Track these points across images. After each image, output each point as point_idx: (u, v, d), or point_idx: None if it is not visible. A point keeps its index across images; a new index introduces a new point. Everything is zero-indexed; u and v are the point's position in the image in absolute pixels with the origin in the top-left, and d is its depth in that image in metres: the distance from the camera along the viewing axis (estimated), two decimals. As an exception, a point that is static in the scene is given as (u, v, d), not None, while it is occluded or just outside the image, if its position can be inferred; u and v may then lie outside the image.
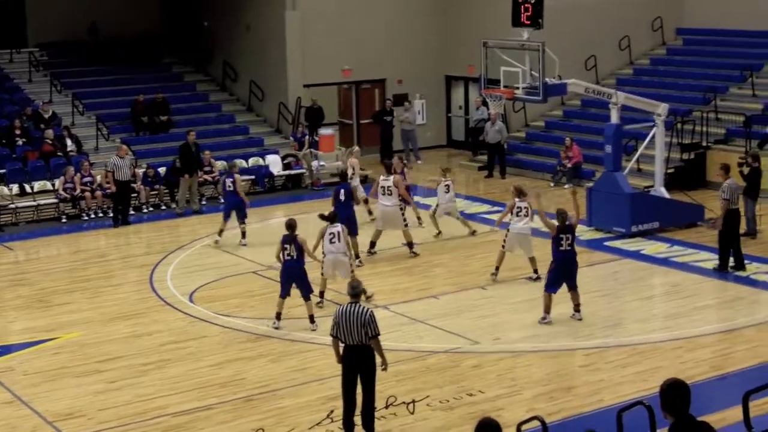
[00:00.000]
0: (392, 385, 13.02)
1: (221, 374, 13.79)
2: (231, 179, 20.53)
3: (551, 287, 15.44)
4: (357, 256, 18.29)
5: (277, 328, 15.43)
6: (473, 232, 20.72)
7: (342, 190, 18.58)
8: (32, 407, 12.78)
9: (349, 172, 21.45)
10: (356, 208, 19.19)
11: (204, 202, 24.84)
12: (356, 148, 24.42)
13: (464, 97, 31.57)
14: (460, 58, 30.10)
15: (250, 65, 30.36)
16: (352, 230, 17.99)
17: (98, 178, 23.93)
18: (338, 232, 16.03)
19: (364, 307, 11.38)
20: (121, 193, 23.00)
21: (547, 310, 15.44)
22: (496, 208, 23.15)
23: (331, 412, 12.22)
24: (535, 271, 17.55)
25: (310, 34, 29.23)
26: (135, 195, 24.09)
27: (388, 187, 19.08)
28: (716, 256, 18.19)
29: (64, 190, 23.52)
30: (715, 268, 18.05)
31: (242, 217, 20.54)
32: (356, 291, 11.55)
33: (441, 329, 15.38)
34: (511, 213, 17.56)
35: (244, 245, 20.39)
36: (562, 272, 15.34)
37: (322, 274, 16.36)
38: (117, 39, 31.14)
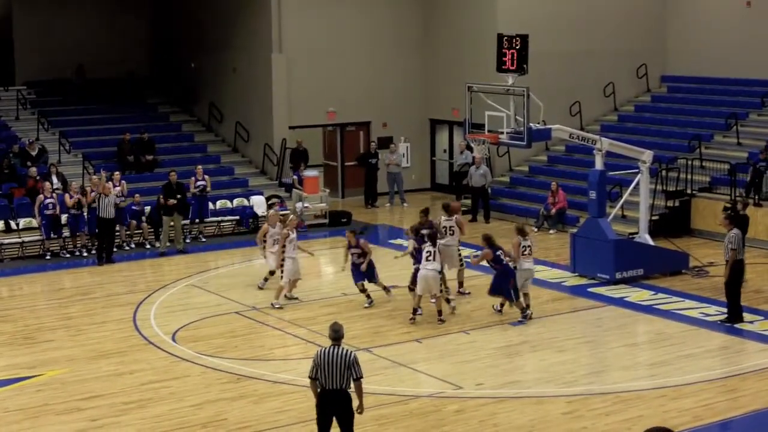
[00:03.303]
0: (374, 428, 13.02)
1: (202, 414, 13.75)
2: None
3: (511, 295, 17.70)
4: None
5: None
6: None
7: None
8: (12, 445, 12.74)
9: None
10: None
11: (188, 241, 24.81)
12: (292, 216, 21.77)
13: (448, 141, 31.74)
14: (444, 102, 30.35)
15: (236, 106, 30.52)
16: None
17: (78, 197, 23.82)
18: (434, 252, 17.53)
19: (347, 350, 11.37)
20: (104, 231, 22.98)
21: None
22: (479, 252, 23.15)
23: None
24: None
25: (296, 77, 29.45)
26: (118, 233, 24.02)
27: (451, 227, 19.35)
28: (702, 305, 18.23)
29: (45, 207, 23.38)
30: (722, 321, 17.84)
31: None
32: (338, 334, 11.47)
33: (424, 373, 15.39)
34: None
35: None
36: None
37: (411, 289, 18.17)
38: (104, 79, 31.29)
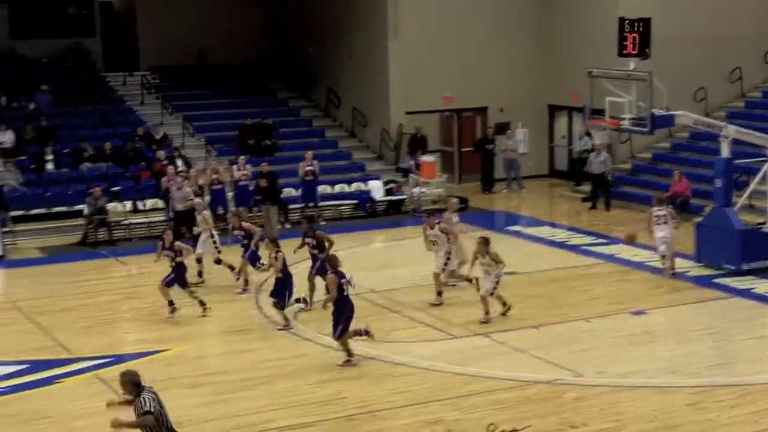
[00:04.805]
0: (491, 413, 12.95)
1: (322, 392, 13.92)
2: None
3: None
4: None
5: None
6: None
7: None
8: (143, 416, 13.08)
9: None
10: None
11: (282, 227, 24.81)
12: (453, 200, 21.70)
13: (567, 126, 31.40)
14: (564, 87, 29.98)
15: (353, 91, 30.71)
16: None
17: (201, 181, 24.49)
18: None
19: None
20: (181, 222, 22.97)
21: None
22: (599, 240, 22.96)
23: (431, 436, 12.26)
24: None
25: (413, 62, 29.44)
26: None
27: (663, 215, 19.30)
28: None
29: (166, 190, 24.08)
30: None
31: None
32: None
33: (542, 360, 15.26)
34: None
35: None
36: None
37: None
38: (224, 65, 31.85)
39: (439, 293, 18.04)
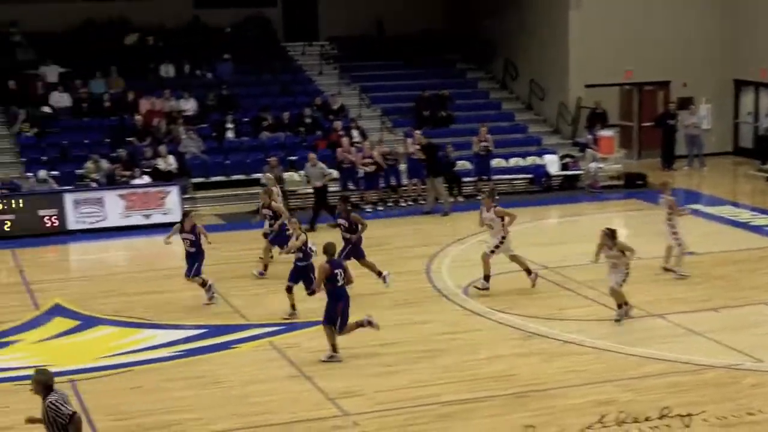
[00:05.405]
0: (667, 395, 12.63)
1: (492, 368, 13.86)
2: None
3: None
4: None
5: None
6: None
7: None
8: (315, 383, 13.34)
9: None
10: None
11: (454, 200, 24.92)
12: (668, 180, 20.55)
13: (754, 102, 30.13)
14: (751, 62, 28.78)
15: (531, 64, 30.32)
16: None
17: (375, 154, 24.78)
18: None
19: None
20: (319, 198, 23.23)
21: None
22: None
23: (603, 417, 12.00)
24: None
25: (593, 34, 28.79)
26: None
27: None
28: None
29: (341, 162, 24.46)
30: None
31: None
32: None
33: (720, 343, 14.72)
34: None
35: None
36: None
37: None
38: (403, 36, 31.93)
39: (486, 277, 17.31)
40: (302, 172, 24.78)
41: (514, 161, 26.98)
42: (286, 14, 33.09)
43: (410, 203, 25.15)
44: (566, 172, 26.93)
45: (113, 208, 23.28)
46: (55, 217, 22.89)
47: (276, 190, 20.41)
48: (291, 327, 15.76)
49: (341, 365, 13.99)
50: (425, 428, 11.95)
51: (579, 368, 13.81)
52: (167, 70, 29.46)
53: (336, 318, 13.91)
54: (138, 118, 26.70)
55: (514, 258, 17.54)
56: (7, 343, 15.33)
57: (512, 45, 31.07)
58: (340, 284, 13.94)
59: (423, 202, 24.72)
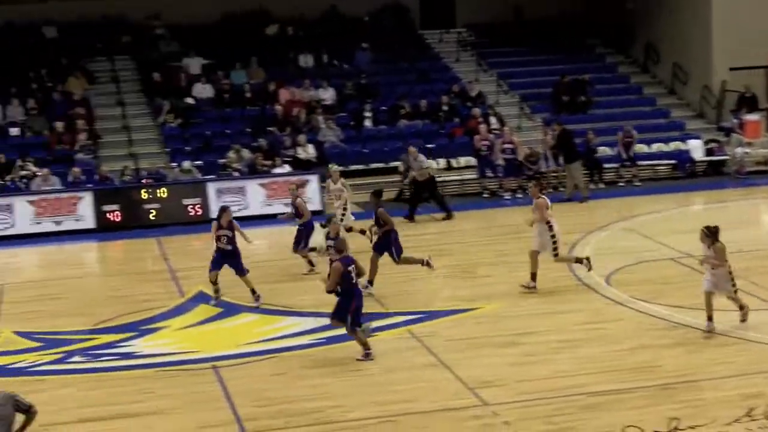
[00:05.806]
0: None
1: (636, 359, 13.51)
2: None
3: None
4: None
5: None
6: None
7: None
8: (454, 372, 13.28)
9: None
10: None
11: (595, 186, 24.41)
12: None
13: None
14: None
15: (673, 47, 29.54)
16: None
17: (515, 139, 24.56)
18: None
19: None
20: (422, 189, 23.03)
21: None
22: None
23: (751, 409, 11.57)
24: None
25: (738, 15, 27.85)
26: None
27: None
28: None
29: (479, 150, 24.34)
30: None
31: None
32: None
33: None
34: None
35: None
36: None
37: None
38: (541, 20, 31.52)
39: (533, 275, 16.65)
40: (440, 160, 24.77)
41: (656, 146, 26.37)
42: (423, 2, 33.09)
43: (550, 190, 24.76)
44: (711, 158, 26.20)
45: (254, 197, 23.71)
46: (199, 205, 23.46)
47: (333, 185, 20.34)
48: (430, 315, 15.74)
49: (480, 354, 13.88)
50: (571, 418, 11.72)
51: (729, 360, 13.35)
52: (306, 60, 29.82)
53: (346, 317, 13.66)
54: (278, 108, 27.11)
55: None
56: (153, 330, 15.76)
57: (654, 28, 30.31)
58: (353, 281, 13.65)
59: (562, 189, 24.37)
